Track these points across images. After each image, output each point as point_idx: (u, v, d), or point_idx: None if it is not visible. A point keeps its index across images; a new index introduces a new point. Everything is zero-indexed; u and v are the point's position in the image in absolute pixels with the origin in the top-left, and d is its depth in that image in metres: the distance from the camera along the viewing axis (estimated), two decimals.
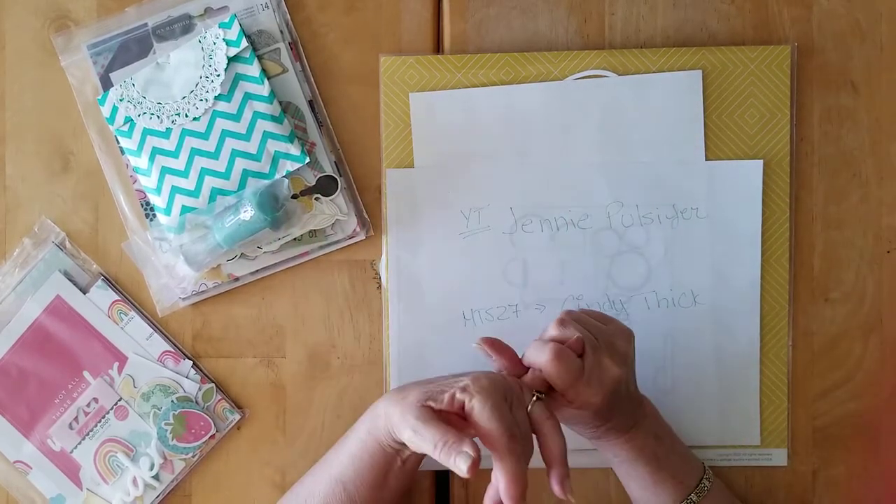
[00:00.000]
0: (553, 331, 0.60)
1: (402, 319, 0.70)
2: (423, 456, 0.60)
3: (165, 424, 0.70)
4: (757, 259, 0.70)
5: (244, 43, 0.68)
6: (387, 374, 0.71)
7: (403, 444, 0.57)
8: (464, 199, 0.70)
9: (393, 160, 0.70)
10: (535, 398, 0.57)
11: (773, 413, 0.70)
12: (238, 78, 0.68)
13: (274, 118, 0.68)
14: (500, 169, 0.70)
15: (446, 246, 0.70)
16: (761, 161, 0.69)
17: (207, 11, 0.70)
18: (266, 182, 0.68)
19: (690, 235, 0.70)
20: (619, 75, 0.69)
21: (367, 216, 0.71)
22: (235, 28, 0.68)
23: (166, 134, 0.68)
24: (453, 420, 0.55)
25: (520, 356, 0.60)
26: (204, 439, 0.71)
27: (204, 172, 0.68)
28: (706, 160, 0.70)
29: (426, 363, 0.70)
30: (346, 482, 0.61)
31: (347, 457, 0.61)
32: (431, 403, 0.55)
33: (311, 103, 0.70)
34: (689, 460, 0.65)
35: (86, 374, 0.71)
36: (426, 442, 0.53)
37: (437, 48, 0.72)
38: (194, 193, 0.68)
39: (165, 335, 0.71)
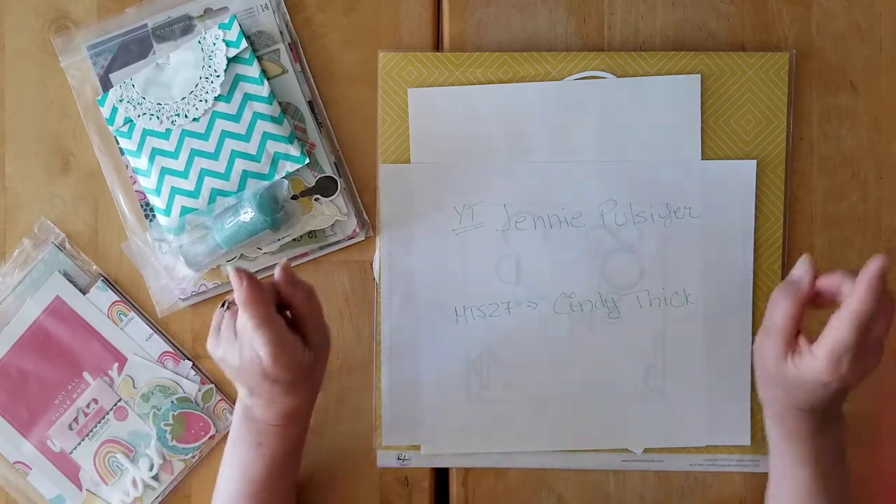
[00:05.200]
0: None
1: (395, 315, 0.70)
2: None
3: (165, 425, 0.70)
4: (749, 259, 0.70)
5: (244, 44, 0.68)
6: (377, 370, 0.71)
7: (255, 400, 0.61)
8: (457, 196, 0.70)
9: (389, 157, 0.70)
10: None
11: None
12: (238, 79, 0.68)
13: (273, 119, 0.68)
14: (494, 166, 0.70)
15: (439, 242, 0.70)
16: (754, 161, 0.69)
17: (207, 12, 0.70)
18: (266, 183, 0.68)
19: (683, 235, 0.70)
20: (618, 77, 0.69)
21: (366, 217, 0.71)
22: (235, 29, 0.68)
23: (166, 135, 0.68)
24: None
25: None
26: (203, 440, 0.71)
27: (203, 173, 0.68)
28: (701, 161, 0.70)
29: (417, 359, 0.70)
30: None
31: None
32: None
33: (310, 104, 0.70)
34: (845, 498, 0.62)
35: (85, 374, 0.71)
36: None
37: (437, 48, 0.72)
38: (194, 194, 0.68)
39: (165, 336, 0.71)
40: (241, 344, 0.58)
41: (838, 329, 0.53)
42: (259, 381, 0.59)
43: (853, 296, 0.53)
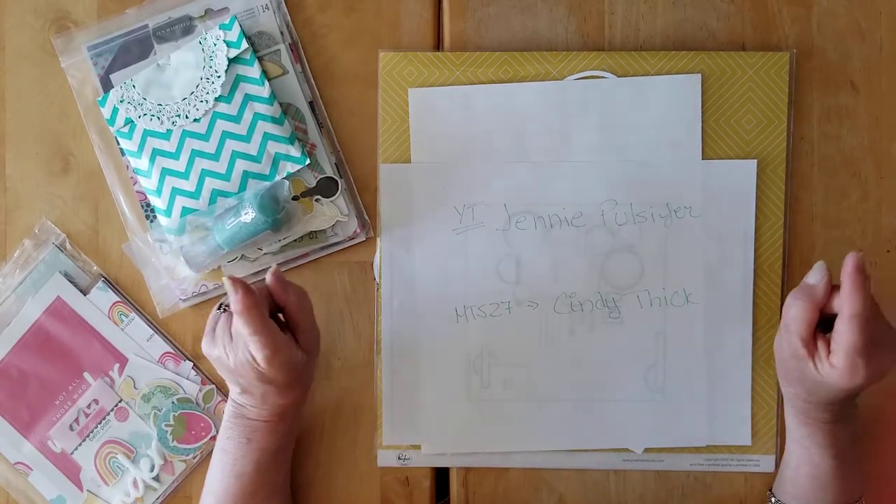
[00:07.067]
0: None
1: (395, 315, 0.70)
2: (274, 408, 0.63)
3: (166, 426, 0.70)
4: (750, 259, 0.70)
5: (244, 44, 0.68)
6: (378, 371, 0.71)
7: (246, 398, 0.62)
8: (458, 196, 0.70)
9: (389, 156, 0.70)
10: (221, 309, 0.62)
11: (764, 417, 0.70)
12: (238, 79, 0.68)
13: (274, 119, 0.68)
14: (495, 166, 0.70)
15: (440, 242, 0.70)
16: (755, 161, 0.69)
17: (208, 13, 0.70)
18: (266, 184, 0.68)
19: (684, 234, 0.70)
20: (618, 77, 0.69)
21: (367, 217, 0.71)
22: (236, 29, 0.68)
23: (167, 135, 0.68)
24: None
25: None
26: (204, 440, 0.71)
27: (204, 174, 0.68)
28: (701, 160, 0.70)
29: (417, 359, 0.70)
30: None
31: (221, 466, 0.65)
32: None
33: (311, 104, 0.70)
34: (859, 479, 0.64)
35: (86, 375, 0.71)
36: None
37: (437, 48, 0.72)
38: (195, 195, 0.68)
39: (166, 336, 0.71)
40: (236, 346, 0.59)
41: (845, 336, 0.55)
42: (253, 382, 0.60)
43: (843, 300, 0.54)
